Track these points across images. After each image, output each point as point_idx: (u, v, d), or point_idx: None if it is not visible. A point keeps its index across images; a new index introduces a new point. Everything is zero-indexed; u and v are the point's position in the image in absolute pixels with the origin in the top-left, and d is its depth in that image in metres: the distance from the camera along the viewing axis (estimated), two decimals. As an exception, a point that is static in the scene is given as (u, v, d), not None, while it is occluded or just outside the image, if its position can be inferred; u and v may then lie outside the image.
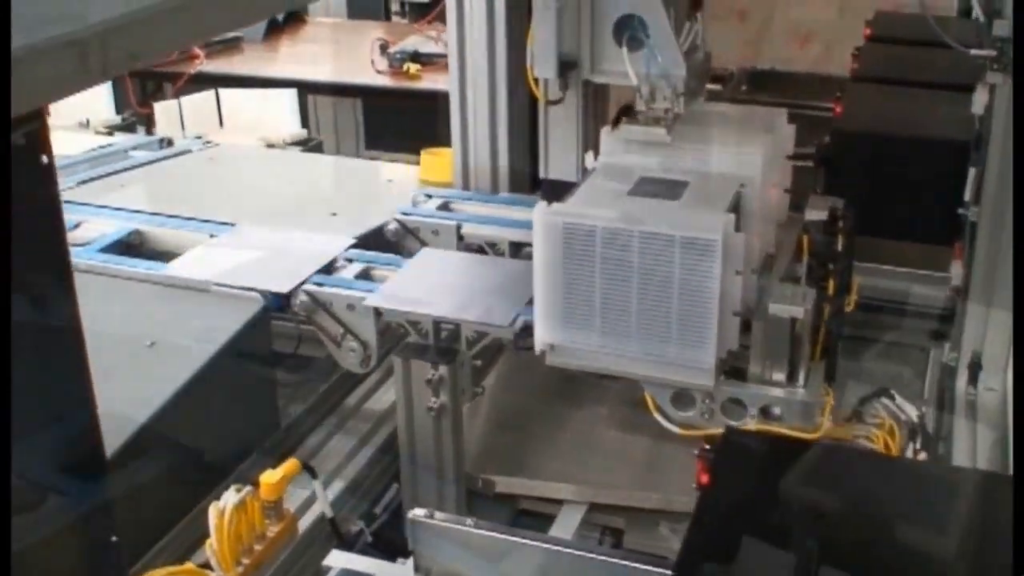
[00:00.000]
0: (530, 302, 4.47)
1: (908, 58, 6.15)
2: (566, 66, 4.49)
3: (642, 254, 3.89)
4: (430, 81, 9.51)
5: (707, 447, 3.52)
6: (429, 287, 4.68)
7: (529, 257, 4.96)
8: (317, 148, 7.79)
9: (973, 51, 4.49)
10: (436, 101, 9.26)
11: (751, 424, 4.09)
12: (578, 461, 4.89)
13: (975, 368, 5.02)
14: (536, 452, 4.94)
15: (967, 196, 4.89)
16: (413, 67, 9.63)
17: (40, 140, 2.71)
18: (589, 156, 4.47)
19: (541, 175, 4.99)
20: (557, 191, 4.68)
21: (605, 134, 4.46)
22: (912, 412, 4.61)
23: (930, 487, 3.38)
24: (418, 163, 6.59)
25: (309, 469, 4.28)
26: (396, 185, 6.20)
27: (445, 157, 5.97)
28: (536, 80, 4.64)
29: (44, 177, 2.84)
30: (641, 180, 4.23)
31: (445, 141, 6.31)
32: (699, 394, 4.15)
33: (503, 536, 3.33)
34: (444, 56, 9.91)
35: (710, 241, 3.82)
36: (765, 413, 4.14)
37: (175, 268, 4.90)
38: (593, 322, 4.04)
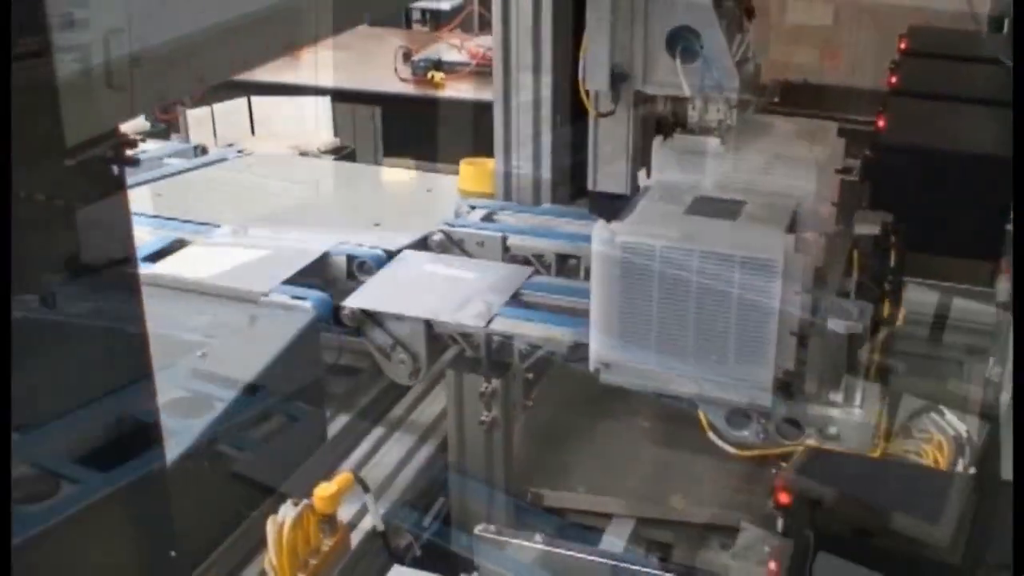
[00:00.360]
0: (507, 303, 4.56)
1: (947, 72, 6.15)
2: (618, 78, 4.49)
3: (701, 273, 3.89)
4: (454, 90, 9.54)
5: (784, 465, 3.51)
6: (408, 288, 4.73)
7: (575, 270, 5.00)
8: (350, 157, 7.78)
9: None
10: (458, 109, 9.32)
11: (809, 444, 4.08)
12: (621, 475, 4.89)
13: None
14: (579, 465, 4.94)
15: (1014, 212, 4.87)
16: (437, 75, 9.64)
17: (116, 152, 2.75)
18: (642, 174, 4.47)
19: (589, 187, 4.98)
20: (605, 204, 4.70)
21: (657, 145, 4.46)
22: (961, 427, 4.62)
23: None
24: (441, 171, 6.60)
25: (361, 482, 4.28)
26: (435, 195, 6.19)
27: (484, 167, 5.97)
28: (587, 92, 4.64)
29: (117, 186, 2.90)
30: (697, 199, 4.23)
31: (469, 149, 6.32)
32: (755, 414, 4.14)
33: (572, 553, 3.33)
34: (468, 64, 9.99)
35: (771, 261, 3.83)
36: (820, 433, 4.15)
37: (160, 268, 4.94)
38: (649, 341, 4.05)
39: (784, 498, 3.29)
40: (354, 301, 4.60)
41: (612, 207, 4.47)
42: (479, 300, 4.58)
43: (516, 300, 4.68)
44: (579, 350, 4.27)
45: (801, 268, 3.88)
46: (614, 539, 4.60)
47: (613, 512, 4.70)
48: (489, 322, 4.42)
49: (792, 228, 4.06)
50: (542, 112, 5.46)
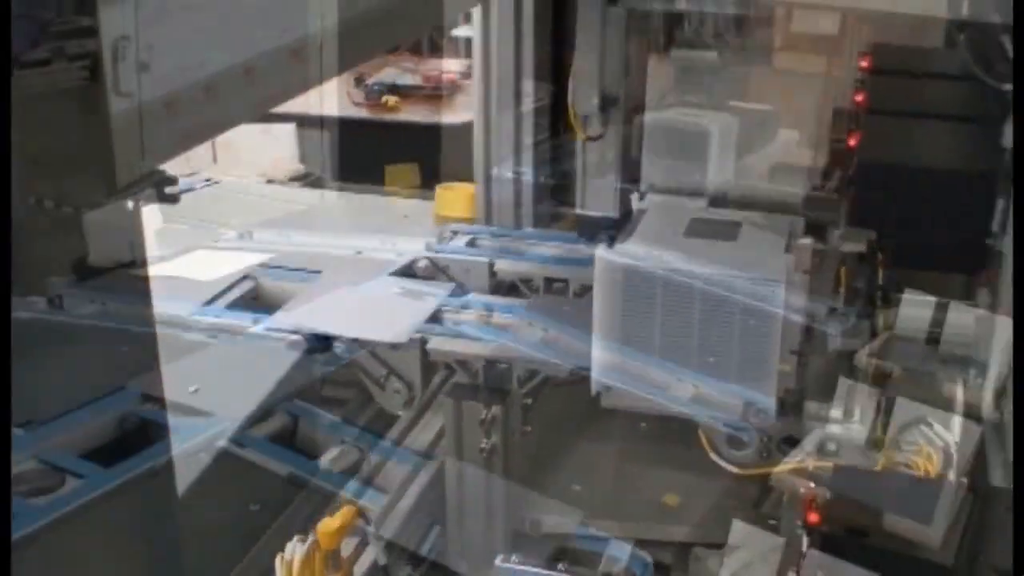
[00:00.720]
0: (430, 320, 4.58)
1: (915, 90, 6.20)
2: (607, 102, 4.52)
3: (704, 296, 3.92)
4: (409, 113, 9.53)
5: (812, 485, 3.53)
6: (328, 308, 4.73)
7: (561, 293, 5.00)
8: (317, 183, 7.71)
9: (1006, 86, 4.57)
10: (410, 132, 9.29)
11: (810, 461, 4.11)
12: (615, 497, 4.89)
13: (1001, 392, 5.07)
14: (571, 489, 4.92)
15: (995, 227, 4.96)
16: (392, 99, 9.62)
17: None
18: (635, 196, 4.50)
19: (577, 210, 5.00)
20: (594, 227, 4.72)
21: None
22: (948, 438, 4.66)
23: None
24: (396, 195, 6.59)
25: (363, 515, 4.24)
26: (412, 220, 6.16)
27: (461, 192, 5.96)
28: (575, 115, 4.66)
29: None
30: (694, 220, 4.26)
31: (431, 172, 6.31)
32: (756, 432, 4.17)
33: None
34: (422, 88, 9.98)
35: (773, 281, 3.87)
36: (819, 450, 4.18)
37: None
38: (652, 363, 4.06)
39: (814, 518, 3.31)
40: (271, 323, 4.58)
41: (600, 229, 4.50)
42: (399, 317, 4.59)
43: (436, 317, 4.69)
44: (578, 374, 4.27)
45: (802, 287, 3.93)
46: (612, 562, 4.59)
47: (611, 535, 4.68)
48: (409, 339, 4.44)
49: (789, 248, 4.11)
50: (523, 133, 5.45)
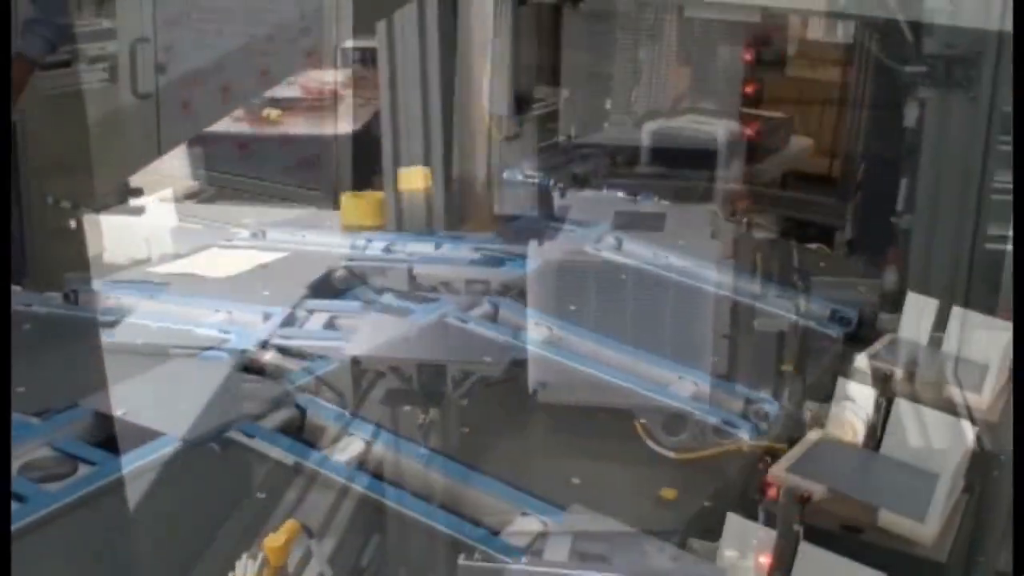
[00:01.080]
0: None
1: (804, 77, 6.39)
2: (522, 103, 4.56)
3: (637, 286, 3.99)
4: (291, 125, 9.41)
5: (771, 462, 3.60)
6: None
7: (482, 294, 5.01)
8: (210, 200, 7.56)
9: (908, 68, 4.74)
10: (298, 144, 9.19)
11: (744, 441, 4.19)
12: (551, 492, 4.89)
13: (911, 369, 5.22)
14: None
15: (899, 205, 5.13)
16: (273, 112, 9.49)
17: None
18: (556, 195, 4.54)
19: (496, 211, 5.03)
20: (512, 227, 4.76)
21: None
22: (869, 414, 4.79)
23: None
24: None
25: (307, 529, 4.18)
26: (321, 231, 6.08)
27: (368, 199, 5.90)
28: (492, 117, 4.69)
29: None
30: (618, 214, 4.33)
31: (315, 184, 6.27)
32: (691, 418, 4.23)
33: (564, 572, 3.34)
34: (303, 100, 9.87)
35: (703, 267, 3.95)
36: (754, 430, 4.27)
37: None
38: (588, 356, 4.10)
39: (772, 493, 3.38)
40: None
41: (522, 229, 4.53)
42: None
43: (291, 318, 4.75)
44: (512, 372, 4.29)
45: (730, 272, 4.02)
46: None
47: (550, 531, 4.69)
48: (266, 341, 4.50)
49: (715, 234, 4.21)
50: (432, 138, 5.44)
